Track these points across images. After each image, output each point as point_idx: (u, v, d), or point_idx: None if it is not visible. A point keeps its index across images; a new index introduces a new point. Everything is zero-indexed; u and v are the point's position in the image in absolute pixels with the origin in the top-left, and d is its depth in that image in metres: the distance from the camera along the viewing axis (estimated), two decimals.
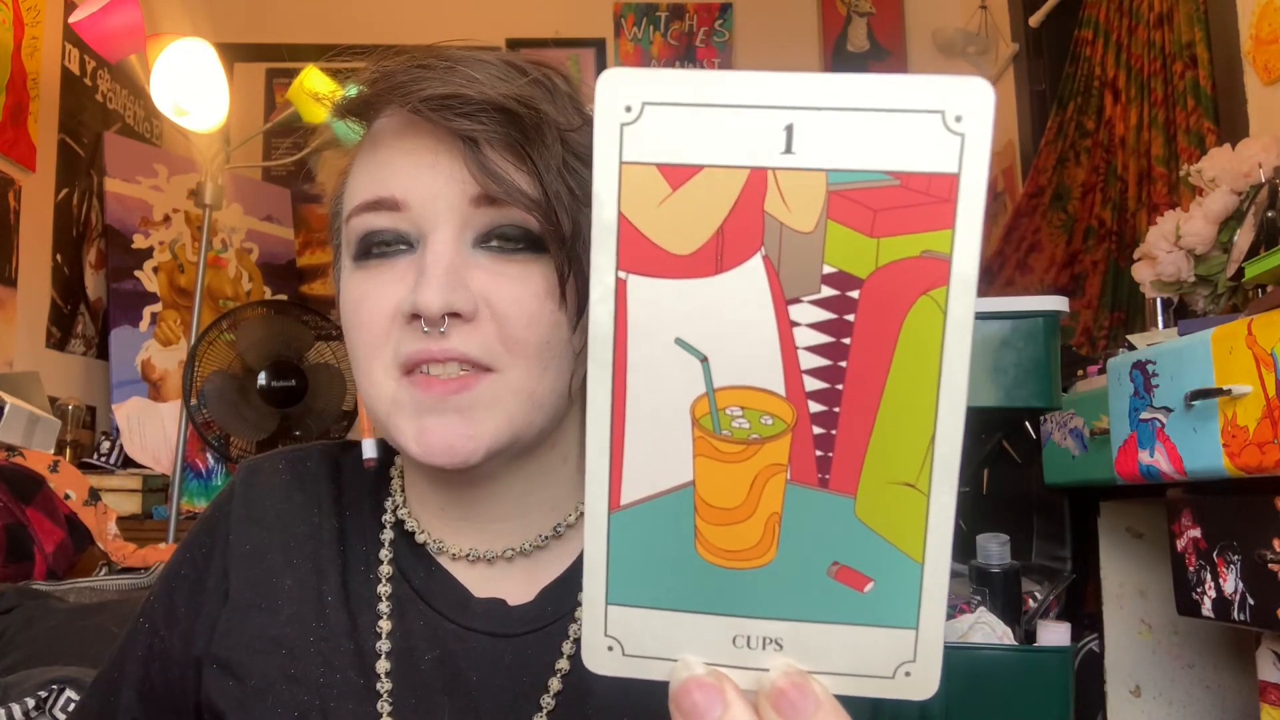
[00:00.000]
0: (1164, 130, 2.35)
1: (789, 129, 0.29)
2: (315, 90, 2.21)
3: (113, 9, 2.15)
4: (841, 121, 0.29)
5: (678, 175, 0.29)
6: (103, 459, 2.65)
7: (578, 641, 0.60)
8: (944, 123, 0.28)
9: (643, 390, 0.30)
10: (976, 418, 1.39)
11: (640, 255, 0.30)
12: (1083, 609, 1.82)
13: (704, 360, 0.30)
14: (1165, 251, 1.75)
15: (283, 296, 3.28)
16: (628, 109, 0.29)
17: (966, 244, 0.29)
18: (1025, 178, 3.05)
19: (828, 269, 0.29)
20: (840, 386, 0.30)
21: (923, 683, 0.32)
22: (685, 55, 3.79)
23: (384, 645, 0.60)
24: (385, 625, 0.61)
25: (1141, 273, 1.84)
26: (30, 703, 1.08)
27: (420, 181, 0.55)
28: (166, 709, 0.65)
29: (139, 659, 0.66)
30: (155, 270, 2.97)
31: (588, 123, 0.58)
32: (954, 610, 1.31)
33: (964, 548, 1.60)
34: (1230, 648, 1.68)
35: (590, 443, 0.31)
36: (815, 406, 0.30)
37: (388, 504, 0.66)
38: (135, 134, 3.11)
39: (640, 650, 0.33)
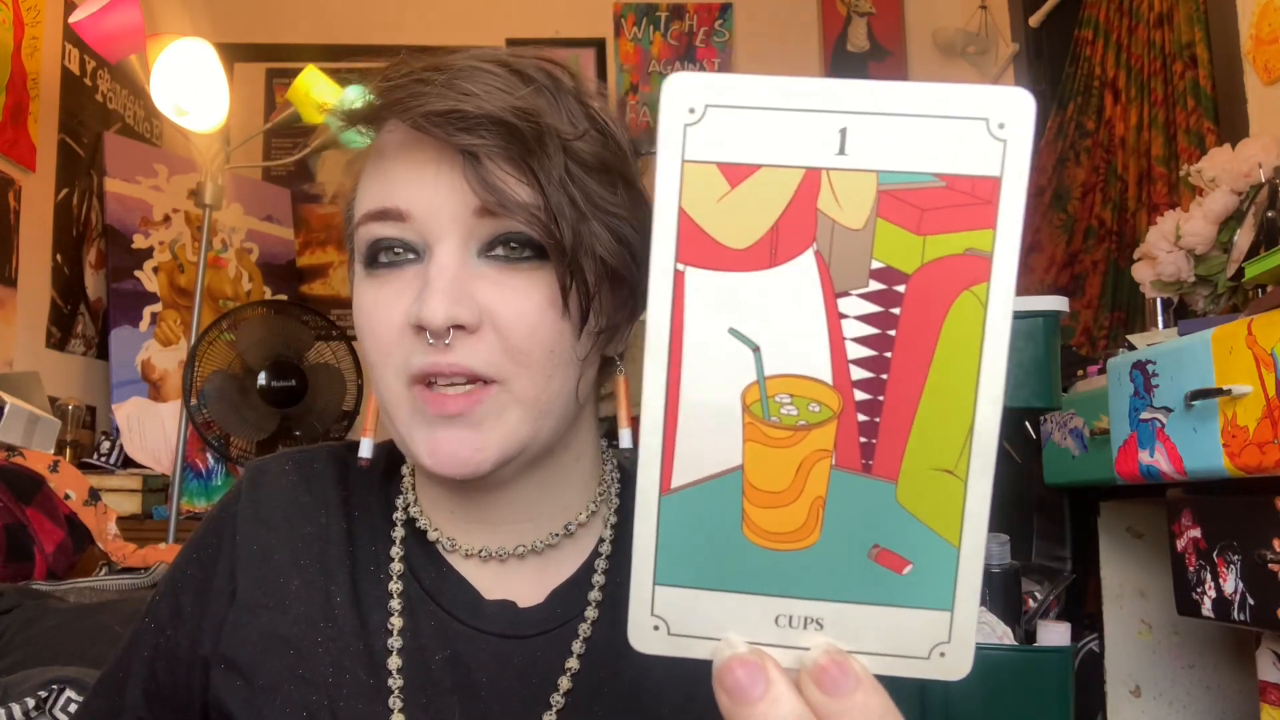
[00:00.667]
0: (1164, 130, 2.35)
1: (843, 132, 0.30)
2: (322, 100, 2.21)
3: (113, 9, 2.15)
4: (892, 126, 0.30)
5: (736, 173, 0.31)
6: (103, 459, 2.65)
7: (588, 641, 0.61)
8: (988, 129, 0.30)
9: (696, 377, 0.32)
10: None
11: (698, 249, 0.31)
12: (1083, 609, 1.82)
13: (756, 350, 0.32)
14: (1165, 251, 1.75)
15: (283, 296, 3.28)
16: (691, 110, 0.31)
17: (1007, 242, 0.30)
18: None
19: (876, 264, 0.31)
20: (885, 376, 0.31)
21: (956, 664, 0.33)
22: (685, 55, 3.79)
23: (395, 643, 0.61)
24: (397, 623, 0.61)
25: (1141, 273, 1.84)
26: (30, 703, 1.08)
27: (424, 193, 0.56)
28: (172, 708, 0.65)
29: (144, 659, 0.66)
30: (155, 270, 2.97)
31: (593, 125, 0.59)
32: None
33: None
34: (1230, 648, 1.68)
35: (644, 428, 0.32)
36: (860, 395, 0.32)
37: (399, 502, 0.66)
38: (135, 134, 3.11)
39: (685, 630, 0.34)
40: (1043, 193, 2.81)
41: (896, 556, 0.32)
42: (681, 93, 0.31)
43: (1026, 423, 1.84)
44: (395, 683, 0.60)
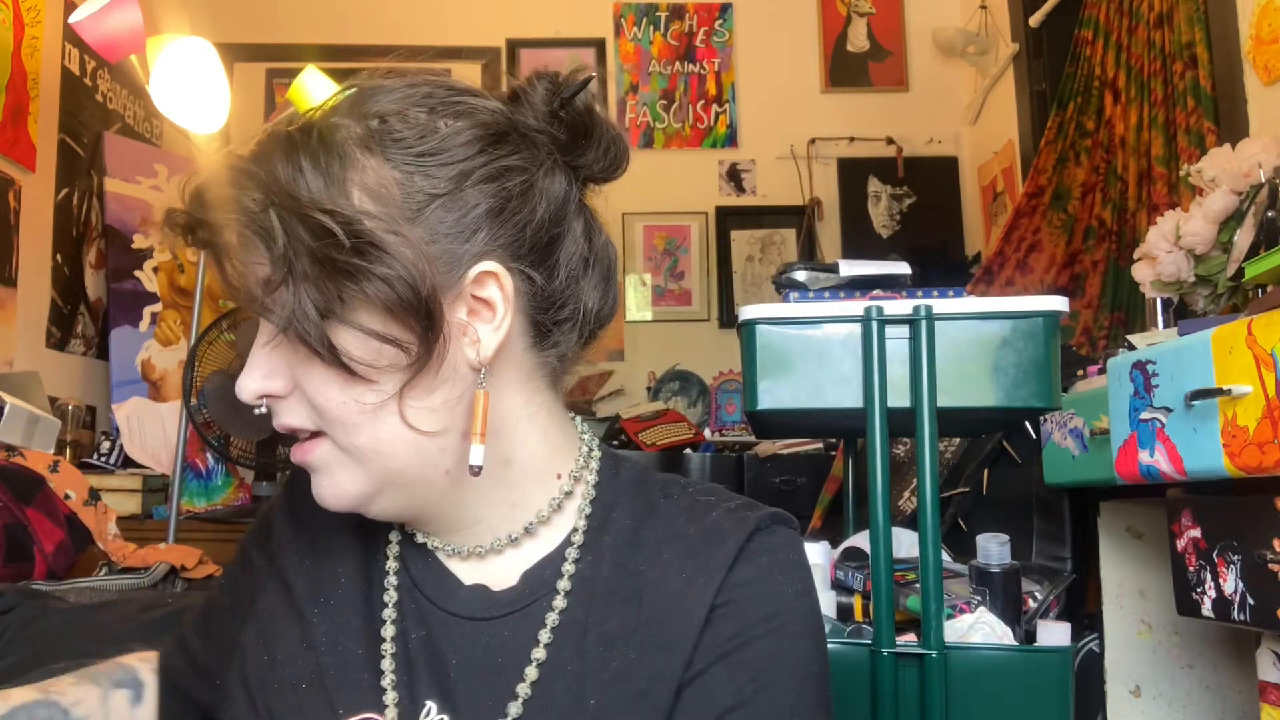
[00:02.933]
0: (1164, 130, 2.35)
1: None
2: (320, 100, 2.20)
3: (113, 9, 2.15)
4: None
5: None
6: (103, 459, 2.65)
7: (556, 627, 0.63)
8: None
9: None
10: (976, 418, 1.39)
11: None
12: (1083, 609, 1.82)
13: None
14: (1165, 251, 1.75)
15: None
16: None
17: None
18: (1025, 178, 3.05)
19: None
20: None
21: None
22: (685, 55, 3.79)
23: (389, 631, 0.65)
24: (390, 612, 0.66)
25: (1141, 273, 1.84)
26: None
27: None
28: (216, 644, 0.74)
29: (217, 591, 0.76)
30: (155, 270, 2.97)
31: (328, 193, 0.58)
32: (954, 610, 1.31)
33: (964, 548, 1.60)
34: (1230, 648, 1.68)
35: None
36: None
37: None
38: (135, 134, 3.11)
39: None
40: (1043, 193, 2.81)
41: None
42: None
43: (1026, 423, 1.84)
44: (387, 665, 0.64)
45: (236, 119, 2.81)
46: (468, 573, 0.67)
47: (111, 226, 2.88)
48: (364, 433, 0.60)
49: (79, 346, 2.79)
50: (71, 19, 2.19)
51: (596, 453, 0.70)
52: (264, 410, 0.63)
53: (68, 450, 2.49)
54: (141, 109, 3.14)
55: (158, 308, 2.95)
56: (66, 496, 1.78)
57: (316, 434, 0.62)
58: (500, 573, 0.66)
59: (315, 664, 0.65)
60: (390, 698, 0.62)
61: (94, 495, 1.86)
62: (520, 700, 0.61)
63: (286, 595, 0.68)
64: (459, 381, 0.61)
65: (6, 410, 1.83)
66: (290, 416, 0.62)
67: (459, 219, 0.59)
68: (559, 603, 0.63)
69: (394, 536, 0.69)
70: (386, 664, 0.63)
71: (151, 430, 2.73)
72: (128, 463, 2.67)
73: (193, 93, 2.37)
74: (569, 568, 0.64)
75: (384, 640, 0.64)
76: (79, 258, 2.81)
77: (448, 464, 0.63)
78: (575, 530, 0.66)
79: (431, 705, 0.62)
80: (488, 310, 0.61)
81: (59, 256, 2.70)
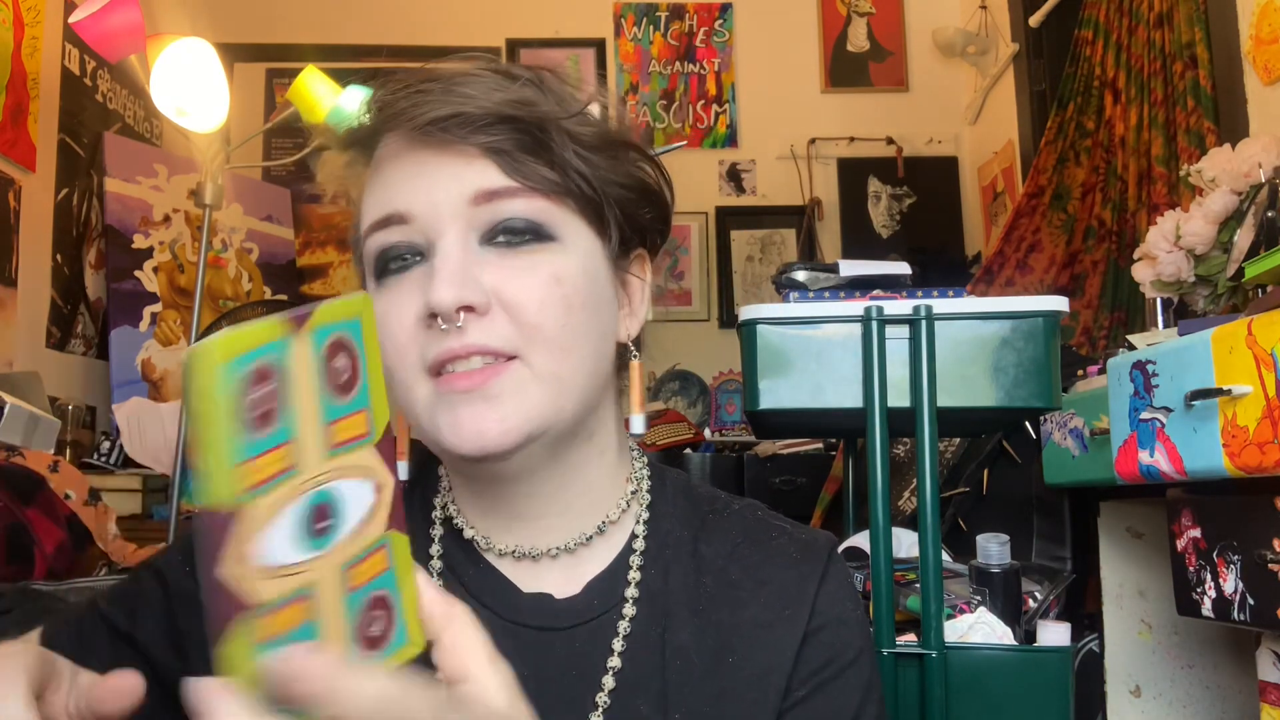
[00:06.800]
0: (1164, 130, 2.35)
1: None
2: (322, 103, 2.21)
3: (113, 9, 2.15)
4: None
5: None
6: (103, 459, 2.65)
7: (629, 637, 0.63)
8: None
9: None
10: (976, 418, 1.39)
11: None
12: (1083, 609, 1.82)
13: None
14: (1165, 251, 1.75)
15: (283, 296, 3.28)
16: None
17: None
18: (1025, 178, 3.05)
19: None
20: None
21: None
22: (685, 55, 3.79)
23: None
24: None
25: (1141, 273, 1.84)
26: None
27: (421, 193, 0.58)
28: (174, 652, 0.64)
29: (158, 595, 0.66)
30: (155, 270, 2.97)
31: (585, 111, 0.62)
32: (954, 610, 1.31)
33: (964, 548, 1.60)
34: (1230, 648, 1.68)
35: None
36: None
37: (436, 501, 0.68)
38: (135, 134, 3.11)
39: None
40: (1043, 193, 2.81)
41: None
42: None
43: (1026, 423, 1.84)
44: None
45: (236, 119, 2.82)
46: (523, 579, 0.65)
47: (111, 226, 2.88)
48: (571, 358, 0.59)
49: (79, 346, 2.79)
50: (71, 19, 2.19)
51: (643, 459, 0.71)
52: (460, 325, 0.56)
53: (68, 450, 2.49)
54: (141, 109, 3.14)
55: (158, 308, 2.95)
56: (66, 496, 1.78)
57: (500, 362, 0.57)
58: (560, 581, 0.65)
59: None
60: None
61: (94, 495, 1.86)
62: (600, 712, 0.61)
63: None
64: (608, 353, 0.64)
65: (6, 410, 1.83)
66: (485, 334, 0.57)
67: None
68: (629, 613, 0.63)
69: (435, 550, 0.66)
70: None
71: (151, 430, 2.73)
72: (128, 463, 2.67)
73: (193, 93, 2.36)
74: (634, 574, 0.65)
75: None
76: (79, 258, 2.81)
77: (592, 429, 0.64)
78: (634, 540, 0.66)
79: None
80: (626, 291, 0.66)
81: (59, 256, 2.70)
